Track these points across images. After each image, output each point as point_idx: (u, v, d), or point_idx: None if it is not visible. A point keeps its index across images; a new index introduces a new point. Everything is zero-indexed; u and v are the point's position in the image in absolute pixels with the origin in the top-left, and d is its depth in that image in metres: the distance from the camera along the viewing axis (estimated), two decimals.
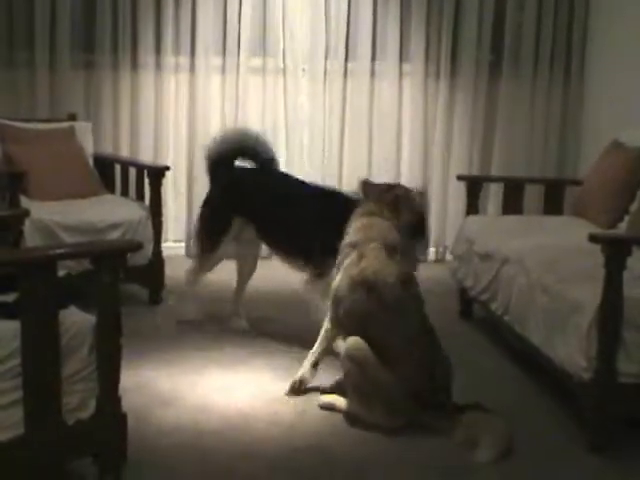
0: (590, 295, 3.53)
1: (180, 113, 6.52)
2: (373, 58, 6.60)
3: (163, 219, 5.51)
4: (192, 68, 6.44)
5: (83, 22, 6.29)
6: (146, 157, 6.33)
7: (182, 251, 6.55)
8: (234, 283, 5.05)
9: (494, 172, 6.68)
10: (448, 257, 6.27)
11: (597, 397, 3.48)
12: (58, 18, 6.15)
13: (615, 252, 3.44)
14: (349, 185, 6.30)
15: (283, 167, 6.05)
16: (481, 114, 6.71)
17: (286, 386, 4.04)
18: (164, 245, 6.23)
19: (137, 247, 3.22)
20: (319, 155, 6.67)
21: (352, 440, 3.59)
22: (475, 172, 6.61)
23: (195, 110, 6.48)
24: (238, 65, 6.46)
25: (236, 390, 4.07)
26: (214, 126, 6.41)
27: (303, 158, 6.65)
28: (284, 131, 6.58)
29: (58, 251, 3.12)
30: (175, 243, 6.59)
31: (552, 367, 3.84)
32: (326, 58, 6.55)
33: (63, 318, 2.93)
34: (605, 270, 3.44)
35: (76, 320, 3.01)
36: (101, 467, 3.07)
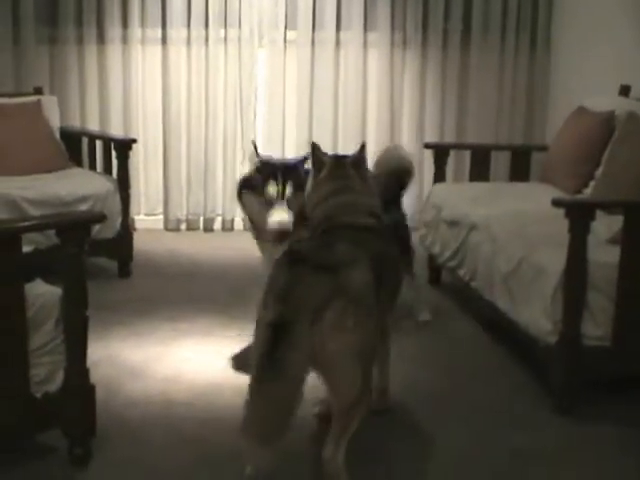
0: (555, 260, 3.57)
1: (150, 85, 6.46)
2: (338, 27, 6.50)
3: (135, 192, 5.46)
4: (164, 40, 6.36)
5: None
6: (116, 131, 6.26)
7: (153, 224, 6.51)
8: (200, 256, 4.96)
9: (468, 140, 6.63)
10: None
11: (563, 360, 3.53)
12: None
13: (578, 216, 3.46)
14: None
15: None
16: (452, 83, 6.64)
17: None
18: (137, 218, 6.26)
19: (101, 218, 3.21)
20: (286, 127, 6.64)
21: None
22: (448, 141, 6.57)
23: (168, 82, 6.42)
24: (207, 36, 6.39)
25: (206, 361, 4.08)
26: (186, 98, 6.42)
27: (271, 131, 6.60)
28: (253, 102, 6.52)
29: (22, 224, 3.11)
30: (147, 216, 6.56)
31: (519, 332, 3.88)
32: (293, 28, 6.49)
33: (29, 291, 2.92)
34: (569, 234, 3.47)
35: (42, 293, 3.01)
36: (70, 439, 3.08)
